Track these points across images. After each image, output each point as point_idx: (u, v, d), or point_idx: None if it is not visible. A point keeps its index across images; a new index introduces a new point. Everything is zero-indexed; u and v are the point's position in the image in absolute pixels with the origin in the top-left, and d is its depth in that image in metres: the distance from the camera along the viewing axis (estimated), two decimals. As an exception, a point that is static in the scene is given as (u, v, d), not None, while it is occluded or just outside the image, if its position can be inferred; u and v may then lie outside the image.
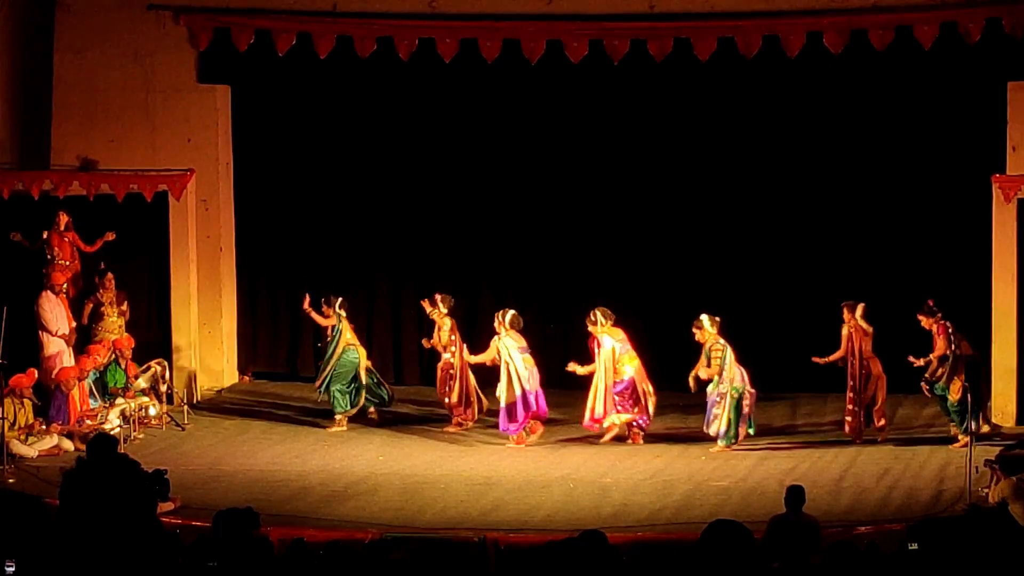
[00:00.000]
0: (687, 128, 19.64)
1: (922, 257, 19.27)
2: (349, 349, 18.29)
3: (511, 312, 17.57)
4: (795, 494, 12.62)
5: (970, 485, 14.71)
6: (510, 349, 17.41)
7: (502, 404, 17.43)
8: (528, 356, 17.51)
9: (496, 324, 17.55)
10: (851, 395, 17.23)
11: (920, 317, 17.04)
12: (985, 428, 16.98)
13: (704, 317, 17.10)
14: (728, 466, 16.40)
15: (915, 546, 10.73)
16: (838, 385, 17.66)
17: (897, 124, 19.15)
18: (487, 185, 20.12)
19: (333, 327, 18.33)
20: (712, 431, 17.02)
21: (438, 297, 18.13)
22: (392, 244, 20.37)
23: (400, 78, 19.38)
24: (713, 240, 19.80)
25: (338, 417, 18.24)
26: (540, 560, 9.94)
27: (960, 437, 16.71)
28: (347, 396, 18.23)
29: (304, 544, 11.61)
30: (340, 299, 18.37)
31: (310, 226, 20.48)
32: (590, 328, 17.40)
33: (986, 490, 14.29)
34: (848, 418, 17.28)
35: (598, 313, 17.37)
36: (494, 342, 17.57)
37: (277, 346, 20.19)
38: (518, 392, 17.34)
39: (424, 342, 18.57)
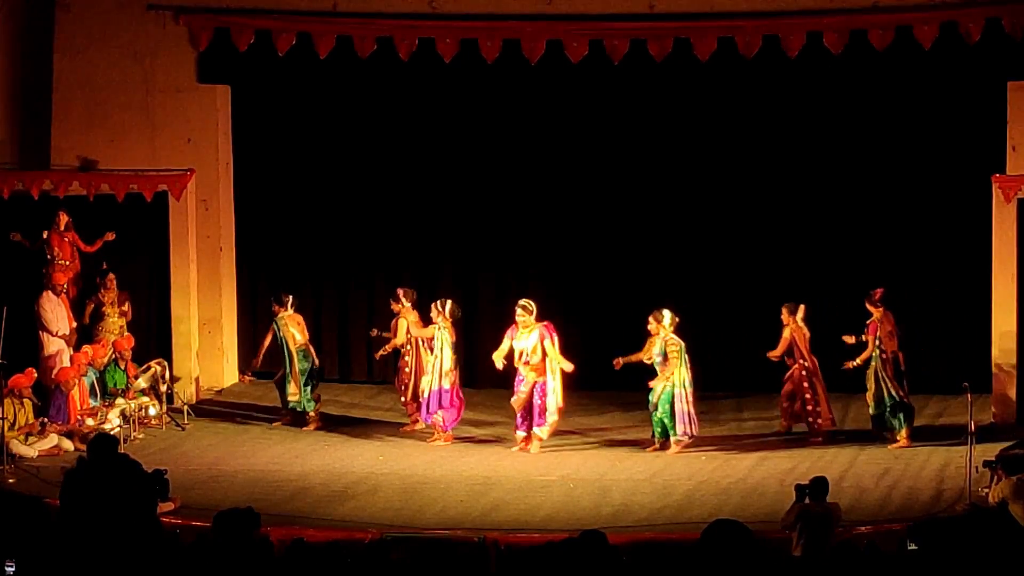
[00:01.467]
0: (687, 128, 19.64)
1: (922, 257, 19.29)
2: (300, 349, 18.27)
3: (450, 302, 17.44)
4: (820, 485, 12.89)
5: (970, 485, 14.72)
6: (444, 343, 17.38)
7: (424, 395, 17.44)
8: (454, 354, 17.49)
9: (434, 314, 17.39)
10: (808, 396, 17.27)
11: (868, 306, 17.06)
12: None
13: (666, 312, 16.93)
14: (728, 466, 16.40)
15: (915, 546, 10.76)
16: (837, 385, 17.67)
17: (897, 124, 19.16)
18: (487, 185, 20.12)
19: (274, 328, 18.28)
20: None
21: (400, 292, 18.02)
22: (392, 244, 20.37)
23: (400, 78, 19.38)
24: (715, 240, 19.80)
25: (312, 415, 18.28)
26: (540, 560, 9.95)
27: (899, 438, 16.95)
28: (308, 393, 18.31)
29: (304, 544, 11.62)
30: (291, 297, 18.34)
31: (310, 226, 20.48)
32: (528, 319, 17.00)
33: (986, 490, 14.28)
34: (811, 419, 17.32)
35: (533, 305, 17.11)
36: (433, 329, 17.47)
37: (277, 346, 20.14)
38: (436, 387, 17.32)
39: (373, 331, 18.47)
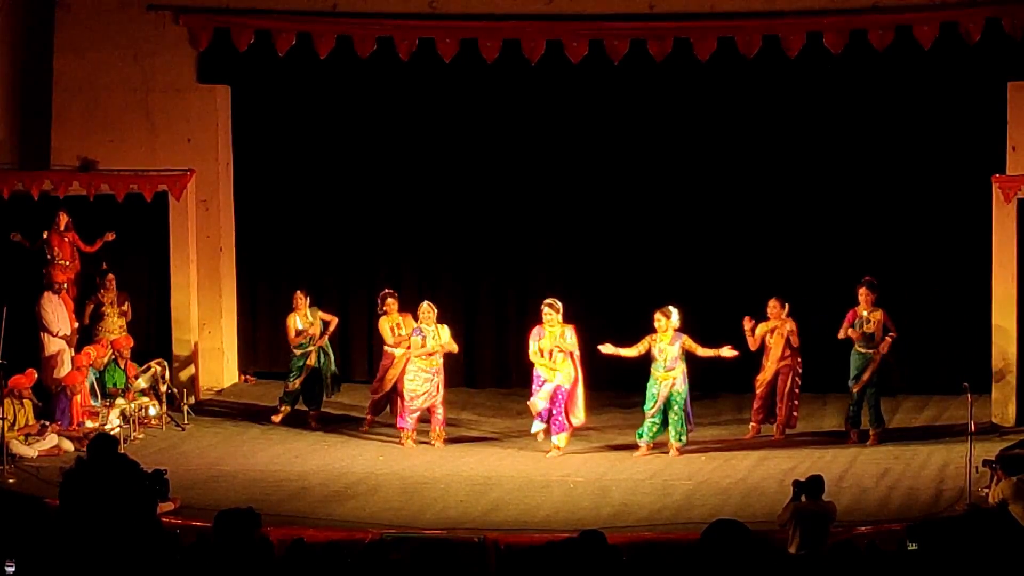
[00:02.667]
0: (687, 128, 19.64)
1: (922, 257, 19.30)
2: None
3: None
4: (816, 483, 12.94)
5: (970, 485, 14.72)
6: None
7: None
8: None
9: (433, 315, 17.29)
10: (796, 394, 17.40)
11: (864, 299, 17.12)
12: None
13: (674, 309, 16.91)
14: (728, 466, 16.41)
15: (915, 546, 10.75)
16: (838, 385, 17.68)
17: (897, 124, 19.17)
18: (487, 185, 20.12)
19: (323, 323, 18.38)
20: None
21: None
22: (392, 244, 20.37)
23: (400, 78, 19.38)
24: (714, 240, 19.80)
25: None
26: (540, 560, 9.95)
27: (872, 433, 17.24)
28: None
29: (304, 544, 11.62)
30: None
31: (310, 226, 20.48)
32: (556, 317, 16.95)
33: (986, 490, 14.29)
34: (789, 414, 17.43)
35: (559, 304, 17.07)
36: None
37: (277, 346, 20.17)
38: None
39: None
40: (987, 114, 18.32)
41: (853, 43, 18.11)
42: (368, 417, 18.20)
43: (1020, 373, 18.01)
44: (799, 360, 17.35)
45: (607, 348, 16.91)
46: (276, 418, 18.39)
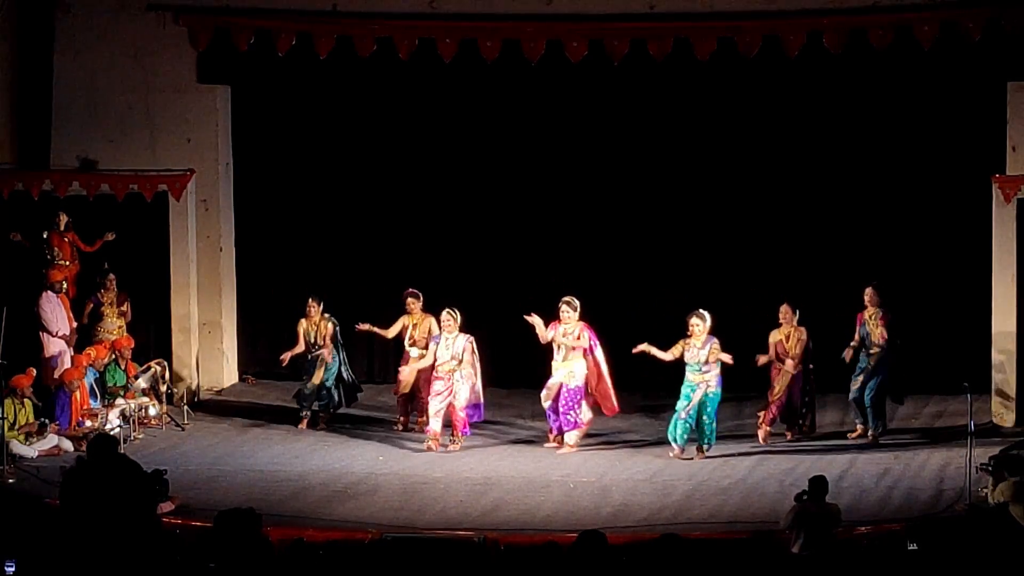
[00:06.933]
0: (687, 128, 19.64)
1: (922, 257, 19.30)
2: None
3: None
4: (819, 484, 12.95)
5: (970, 485, 14.72)
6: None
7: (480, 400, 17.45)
8: None
9: (454, 323, 17.28)
10: (808, 398, 17.40)
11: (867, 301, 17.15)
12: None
13: (707, 314, 16.91)
14: (728, 466, 16.40)
15: (915, 546, 10.78)
16: (839, 385, 17.66)
17: (897, 124, 19.17)
18: (487, 185, 20.13)
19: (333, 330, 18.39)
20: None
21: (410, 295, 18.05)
22: (392, 244, 20.36)
23: (400, 78, 19.39)
24: (713, 240, 19.81)
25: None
26: (540, 560, 9.97)
27: (870, 435, 17.16)
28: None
29: (304, 544, 11.63)
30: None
31: (310, 226, 20.47)
32: (572, 315, 17.02)
33: (986, 490, 14.29)
34: (803, 420, 17.44)
35: (577, 302, 17.12)
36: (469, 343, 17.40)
37: (278, 347, 20.15)
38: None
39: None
40: (987, 114, 18.33)
41: (853, 43, 18.12)
42: (400, 419, 18.22)
43: (1020, 373, 18.02)
44: (811, 367, 17.33)
45: (642, 347, 16.87)
46: (301, 424, 18.36)
